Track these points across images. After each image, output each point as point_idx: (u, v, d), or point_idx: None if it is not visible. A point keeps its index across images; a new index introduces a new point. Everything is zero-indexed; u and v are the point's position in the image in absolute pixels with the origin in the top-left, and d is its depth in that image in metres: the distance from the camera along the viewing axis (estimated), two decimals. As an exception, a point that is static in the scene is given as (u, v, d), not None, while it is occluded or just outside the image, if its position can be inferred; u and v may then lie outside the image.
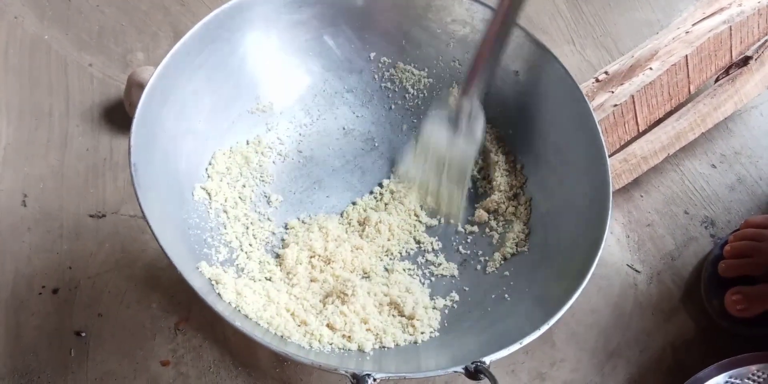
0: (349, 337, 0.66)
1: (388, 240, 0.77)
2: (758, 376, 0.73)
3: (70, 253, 0.80)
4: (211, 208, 0.71)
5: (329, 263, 0.73)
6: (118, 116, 0.90)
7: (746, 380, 0.73)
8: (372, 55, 0.81)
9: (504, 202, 0.78)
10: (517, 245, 0.75)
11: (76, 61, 0.93)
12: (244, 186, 0.76)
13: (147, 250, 0.81)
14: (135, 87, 0.84)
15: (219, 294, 0.63)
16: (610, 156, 0.82)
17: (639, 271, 0.85)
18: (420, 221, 0.79)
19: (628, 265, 0.85)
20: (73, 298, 0.78)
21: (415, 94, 0.83)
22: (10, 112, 0.88)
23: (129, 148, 0.60)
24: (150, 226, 0.58)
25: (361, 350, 0.66)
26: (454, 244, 0.78)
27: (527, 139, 0.78)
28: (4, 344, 0.74)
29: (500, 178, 0.79)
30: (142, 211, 0.58)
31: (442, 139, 0.75)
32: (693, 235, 0.88)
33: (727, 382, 0.73)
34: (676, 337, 0.81)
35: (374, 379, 0.55)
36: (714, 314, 0.81)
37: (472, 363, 0.57)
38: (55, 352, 0.75)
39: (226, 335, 0.77)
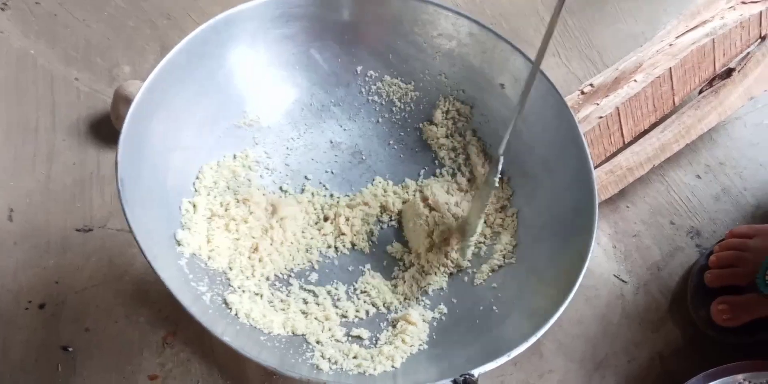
0: None
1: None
2: (745, 386, 0.74)
3: (57, 267, 0.80)
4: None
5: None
6: (104, 130, 0.89)
7: (733, 389, 0.74)
8: (359, 68, 0.81)
9: (492, 214, 0.78)
10: (504, 257, 0.75)
11: (63, 75, 0.93)
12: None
13: (134, 263, 0.81)
14: (122, 101, 0.84)
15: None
16: (596, 167, 0.82)
17: (626, 282, 0.85)
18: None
19: (615, 275, 0.86)
20: (60, 312, 0.77)
21: (402, 107, 0.83)
22: (-4, 126, 0.88)
23: (116, 163, 0.60)
24: (137, 242, 0.58)
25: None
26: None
27: (513, 152, 0.78)
28: (-10, 360, 0.74)
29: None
30: (129, 227, 0.58)
31: None
32: (679, 245, 0.89)
33: (714, 391, 0.74)
34: (664, 346, 0.82)
35: (363, 392, 0.55)
36: (700, 324, 0.82)
37: (461, 375, 0.57)
38: (43, 368, 0.74)
39: (215, 349, 0.77)
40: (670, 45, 0.88)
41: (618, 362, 0.80)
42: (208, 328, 0.57)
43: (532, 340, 0.60)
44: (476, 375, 0.57)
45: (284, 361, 0.63)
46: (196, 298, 0.63)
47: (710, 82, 0.92)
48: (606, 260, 0.87)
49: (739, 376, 0.74)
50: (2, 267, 0.79)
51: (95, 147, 0.88)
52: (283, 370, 0.57)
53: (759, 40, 0.93)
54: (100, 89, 0.93)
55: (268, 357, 0.62)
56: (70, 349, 0.75)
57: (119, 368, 0.75)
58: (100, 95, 0.92)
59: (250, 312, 0.66)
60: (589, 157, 0.70)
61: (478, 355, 0.62)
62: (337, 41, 0.79)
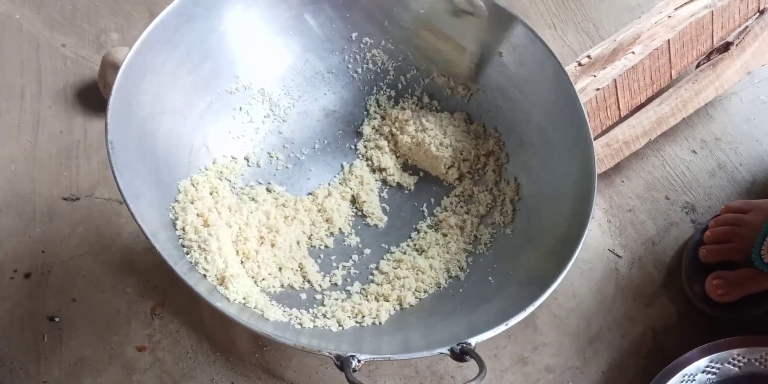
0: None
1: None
2: (739, 360, 0.74)
3: (43, 236, 0.78)
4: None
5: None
6: (91, 98, 0.88)
7: (727, 364, 0.74)
8: (354, 35, 0.80)
9: (488, 180, 0.78)
10: (503, 225, 0.74)
11: (49, 41, 0.91)
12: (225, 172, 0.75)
13: (122, 233, 0.79)
14: (110, 68, 0.83)
15: (203, 275, 0.62)
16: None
17: (620, 256, 0.85)
18: None
19: (609, 250, 0.85)
20: (46, 282, 0.76)
21: (397, 75, 0.82)
22: (-20, 93, 0.86)
23: (105, 126, 0.59)
24: (127, 205, 0.57)
25: (341, 327, 0.66)
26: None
27: (511, 121, 0.77)
28: (-26, 330, 0.73)
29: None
30: (120, 189, 0.57)
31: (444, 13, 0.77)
32: (674, 220, 0.88)
33: (708, 365, 0.73)
34: (657, 321, 0.81)
35: (359, 361, 0.54)
36: (695, 299, 0.81)
37: (458, 344, 0.56)
38: (28, 338, 0.73)
39: (204, 320, 0.76)
40: (669, 17, 0.87)
41: (611, 336, 0.80)
42: (201, 295, 0.56)
43: (530, 309, 0.60)
44: (473, 344, 0.56)
45: (277, 328, 0.62)
46: (188, 267, 0.62)
47: (708, 56, 0.91)
48: (601, 234, 0.86)
49: (734, 351, 0.73)
50: (-13, 235, 0.78)
51: (82, 115, 0.86)
52: (276, 337, 0.55)
53: (757, 14, 0.92)
54: (88, 56, 0.91)
55: (262, 324, 0.61)
56: (57, 320, 0.74)
57: (106, 339, 0.74)
58: (87, 62, 0.90)
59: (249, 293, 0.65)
60: (588, 125, 0.69)
61: (474, 325, 0.62)
62: (332, 6, 0.77)
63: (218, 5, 0.71)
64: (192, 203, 0.67)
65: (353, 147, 0.82)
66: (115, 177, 0.57)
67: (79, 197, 0.81)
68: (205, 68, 0.72)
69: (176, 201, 0.67)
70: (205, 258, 0.63)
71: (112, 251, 0.78)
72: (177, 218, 0.65)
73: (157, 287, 0.77)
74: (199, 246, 0.63)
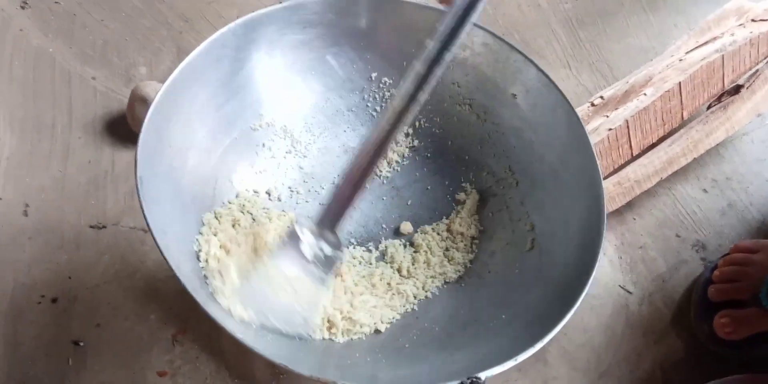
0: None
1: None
2: (745, 398, 0.75)
3: (70, 263, 0.81)
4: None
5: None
6: (119, 129, 0.91)
7: (734, 401, 0.75)
8: (373, 75, 0.83)
9: (507, 225, 0.80)
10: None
11: (80, 74, 0.95)
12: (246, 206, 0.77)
13: (146, 261, 0.82)
14: (138, 101, 0.85)
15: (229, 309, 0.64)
16: (604, 179, 0.83)
17: (631, 293, 0.86)
18: None
19: (620, 286, 0.87)
20: (72, 308, 0.78)
21: (416, 115, 0.84)
22: (14, 123, 0.89)
23: (136, 162, 0.61)
24: (154, 239, 0.59)
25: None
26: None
27: (524, 161, 0.79)
28: (2, 353, 0.75)
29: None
30: (147, 223, 0.59)
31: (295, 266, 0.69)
32: (684, 258, 0.89)
33: (715, 403, 0.74)
34: (666, 358, 0.82)
35: (372, 392, 0.56)
36: (703, 337, 0.82)
37: (468, 378, 0.58)
38: (53, 362, 0.75)
39: (223, 347, 0.78)
40: (680, 60, 0.89)
41: (620, 372, 0.81)
42: (221, 325, 0.57)
43: (539, 345, 0.61)
44: (483, 378, 0.58)
45: (292, 355, 0.64)
46: (209, 297, 0.64)
47: (719, 98, 0.93)
48: (612, 270, 0.87)
49: (740, 389, 0.74)
50: (16, 261, 0.80)
51: (110, 146, 0.89)
52: (292, 367, 0.57)
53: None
54: (117, 89, 0.94)
55: (279, 353, 0.62)
56: (81, 344, 0.76)
57: (129, 364, 0.76)
58: (116, 95, 0.93)
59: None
60: (599, 168, 0.71)
61: (484, 360, 0.63)
62: (353, 47, 0.80)
63: (245, 47, 0.74)
64: (215, 235, 0.69)
65: (372, 182, 0.84)
66: (143, 211, 0.59)
67: (106, 226, 0.84)
68: (230, 106, 0.75)
69: (200, 233, 0.69)
70: (223, 284, 0.65)
71: (136, 279, 0.81)
72: (200, 250, 0.67)
73: (179, 314, 0.79)
74: (220, 273, 0.66)
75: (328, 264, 0.69)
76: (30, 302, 0.78)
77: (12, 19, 0.98)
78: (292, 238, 0.68)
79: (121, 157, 0.89)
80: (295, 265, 0.68)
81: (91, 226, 0.83)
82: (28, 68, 0.94)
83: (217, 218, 0.72)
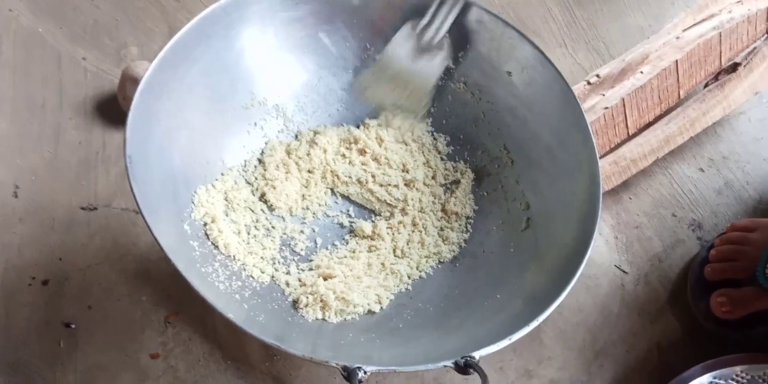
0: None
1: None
2: (742, 377, 0.74)
3: (61, 245, 0.80)
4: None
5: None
6: (111, 110, 0.90)
7: (730, 381, 0.74)
8: (367, 53, 0.81)
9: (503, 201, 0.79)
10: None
11: (70, 54, 0.93)
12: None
13: (138, 243, 0.81)
14: (129, 81, 0.84)
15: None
16: (600, 158, 0.82)
17: (627, 272, 0.86)
18: None
19: (616, 265, 0.86)
20: (63, 290, 0.78)
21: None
22: (3, 104, 0.88)
23: (125, 140, 0.60)
24: (144, 219, 0.58)
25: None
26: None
27: (519, 140, 0.79)
28: (-7, 335, 0.75)
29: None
30: (137, 203, 0.58)
31: (404, 57, 0.78)
32: (680, 237, 0.89)
33: (711, 382, 0.74)
34: (662, 337, 0.82)
35: (365, 372, 0.55)
36: (699, 316, 0.82)
37: (462, 357, 0.57)
38: (45, 344, 0.75)
39: (216, 329, 0.77)
40: (677, 38, 0.88)
41: (616, 351, 0.81)
42: (214, 306, 0.57)
43: (534, 324, 0.61)
44: (477, 357, 0.58)
45: (285, 336, 0.64)
46: (202, 278, 0.64)
47: (716, 76, 0.92)
48: (607, 250, 0.87)
49: (737, 368, 0.74)
50: (7, 243, 0.80)
51: (101, 127, 0.88)
52: (285, 347, 0.57)
53: (765, 35, 0.93)
54: (108, 69, 0.93)
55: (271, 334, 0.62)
56: (73, 326, 0.76)
57: (121, 346, 0.75)
58: (107, 75, 0.92)
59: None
60: (595, 146, 0.70)
61: (479, 339, 0.62)
62: (346, 25, 0.79)
63: (236, 24, 0.73)
64: (206, 213, 0.69)
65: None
66: (132, 191, 0.59)
67: (97, 207, 0.83)
68: (221, 85, 0.74)
69: (192, 205, 0.69)
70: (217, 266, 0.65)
71: (127, 260, 0.80)
72: (191, 229, 0.67)
73: (172, 296, 0.78)
74: (212, 253, 0.65)
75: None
76: (21, 284, 0.77)
77: (1, 0, 0.96)
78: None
79: (112, 138, 0.88)
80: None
81: (82, 208, 0.83)
82: (18, 49, 0.93)
83: (208, 191, 0.72)
